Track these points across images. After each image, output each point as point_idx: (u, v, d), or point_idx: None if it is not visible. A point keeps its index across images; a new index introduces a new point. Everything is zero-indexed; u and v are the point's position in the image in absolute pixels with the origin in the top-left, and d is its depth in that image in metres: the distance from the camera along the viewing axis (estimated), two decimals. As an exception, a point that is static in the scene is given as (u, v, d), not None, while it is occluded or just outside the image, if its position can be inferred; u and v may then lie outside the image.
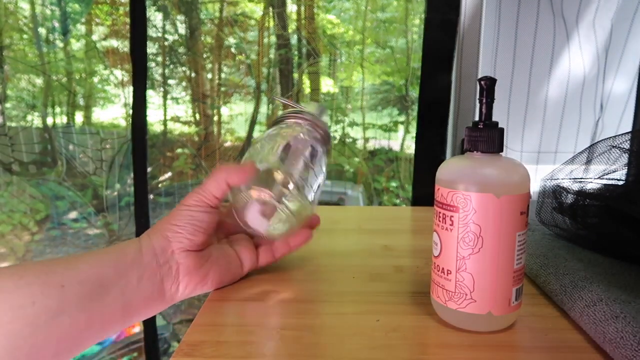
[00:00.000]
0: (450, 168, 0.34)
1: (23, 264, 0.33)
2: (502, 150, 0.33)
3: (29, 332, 0.30)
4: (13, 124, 1.35)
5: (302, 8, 1.30)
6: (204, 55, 1.36)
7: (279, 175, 0.42)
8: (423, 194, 0.83)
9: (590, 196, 0.48)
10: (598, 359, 0.31)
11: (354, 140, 1.42)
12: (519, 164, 0.33)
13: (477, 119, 0.34)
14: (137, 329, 1.51)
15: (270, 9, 1.30)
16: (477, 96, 0.34)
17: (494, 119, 0.33)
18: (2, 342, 0.29)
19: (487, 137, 0.33)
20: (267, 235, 0.43)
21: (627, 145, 0.46)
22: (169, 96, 1.39)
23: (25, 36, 1.32)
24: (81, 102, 1.40)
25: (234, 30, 1.32)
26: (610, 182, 0.47)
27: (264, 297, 0.40)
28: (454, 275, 0.33)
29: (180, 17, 1.34)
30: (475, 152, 0.33)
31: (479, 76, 0.84)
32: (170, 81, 1.39)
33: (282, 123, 0.47)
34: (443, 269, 0.34)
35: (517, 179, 0.32)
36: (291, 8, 1.30)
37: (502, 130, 0.33)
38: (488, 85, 0.33)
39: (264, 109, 1.35)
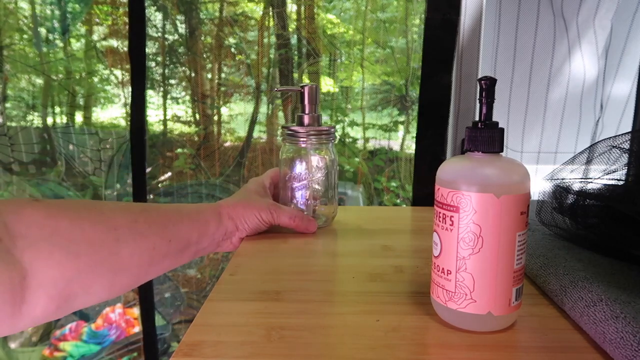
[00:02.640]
0: (451, 168, 0.34)
1: (147, 212, 0.45)
2: (502, 150, 0.33)
3: (149, 264, 0.44)
4: (13, 124, 1.35)
5: (302, 8, 1.30)
6: (204, 55, 1.36)
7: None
8: (423, 194, 0.83)
9: (590, 196, 0.48)
10: (598, 359, 0.31)
11: (354, 140, 1.42)
12: (519, 164, 0.33)
13: (477, 119, 0.33)
14: (137, 329, 1.51)
15: (270, 8, 1.30)
16: (477, 96, 0.34)
17: (494, 119, 0.33)
18: (134, 270, 0.42)
19: (487, 137, 0.33)
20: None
21: (627, 146, 0.46)
22: (168, 96, 1.39)
23: (25, 36, 1.32)
24: (81, 102, 1.40)
25: (234, 30, 1.32)
26: (610, 182, 0.47)
27: (264, 297, 0.40)
28: (454, 276, 0.33)
29: (180, 17, 1.34)
30: (475, 152, 0.33)
31: (479, 76, 0.84)
32: (170, 81, 1.39)
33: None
34: (443, 269, 0.34)
35: (517, 179, 0.32)
36: (291, 8, 1.30)
37: (502, 130, 0.33)
38: (488, 85, 0.33)
39: (263, 109, 1.35)
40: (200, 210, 0.50)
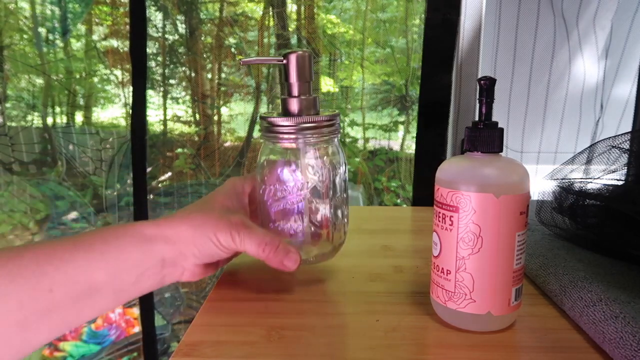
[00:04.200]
0: (450, 168, 0.34)
1: (13, 260, 0.32)
2: (501, 150, 0.33)
3: (18, 330, 0.31)
4: (13, 124, 1.35)
5: (302, 8, 1.30)
6: (204, 55, 1.36)
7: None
8: (423, 194, 0.83)
9: (590, 196, 0.48)
10: (598, 359, 0.31)
11: (354, 140, 1.42)
12: (518, 164, 0.33)
13: (477, 119, 0.34)
14: (137, 329, 1.51)
15: (270, 8, 1.30)
16: (477, 96, 0.34)
17: (494, 119, 0.33)
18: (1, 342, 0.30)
19: (487, 137, 0.33)
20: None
21: (627, 146, 0.46)
22: (169, 96, 1.39)
23: (25, 36, 1.32)
24: (81, 102, 1.40)
25: (234, 30, 1.32)
26: (610, 182, 0.47)
27: (264, 297, 0.40)
28: (453, 275, 0.33)
29: (180, 17, 1.34)
30: (475, 152, 0.33)
31: (479, 76, 0.84)
32: (170, 81, 1.39)
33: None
34: (443, 269, 0.34)
35: (516, 179, 0.32)
36: (291, 8, 1.30)
37: (501, 130, 0.33)
38: (488, 85, 0.33)
39: (264, 109, 1.35)
40: (115, 236, 0.35)
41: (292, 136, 0.39)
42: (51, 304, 0.31)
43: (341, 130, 0.43)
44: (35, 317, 0.31)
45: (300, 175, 0.40)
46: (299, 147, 0.39)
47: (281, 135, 0.39)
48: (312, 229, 0.41)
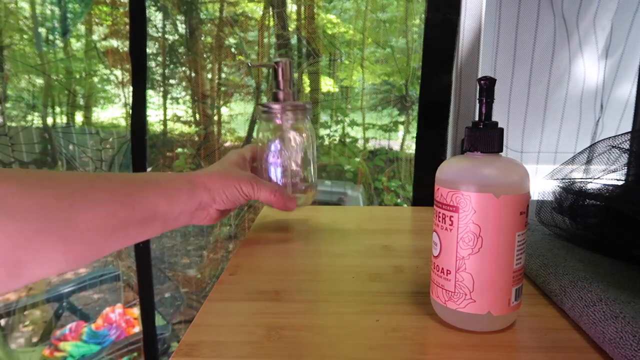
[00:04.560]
0: (450, 168, 0.34)
1: (107, 179, 0.41)
2: (501, 150, 0.33)
3: (110, 233, 0.39)
4: (13, 124, 1.36)
5: (302, 8, 1.30)
6: (204, 55, 1.36)
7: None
8: (423, 194, 0.83)
9: (590, 196, 0.48)
10: (597, 359, 0.31)
11: (354, 140, 1.42)
12: (518, 164, 0.33)
13: (477, 119, 0.34)
14: (137, 329, 1.51)
15: (271, 9, 1.30)
16: (477, 96, 0.34)
17: (494, 119, 0.33)
18: (92, 238, 0.38)
19: (487, 137, 0.33)
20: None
21: (627, 146, 0.46)
22: (169, 96, 1.39)
23: (25, 36, 1.32)
24: (81, 102, 1.40)
25: (234, 30, 1.32)
26: (610, 182, 0.47)
27: (264, 297, 0.40)
28: (453, 275, 0.33)
29: (181, 17, 1.34)
30: (475, 152, 0.33)
31: (479, 76, 0.84)
32: (170, 81, 1.39)
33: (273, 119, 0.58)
34: (442, 269, 0.34)
35: (516, 179, 0.32)
36: (291, 8, 1.30)
37: (501, 130, 0.33)
38: (488, 85, 0.33)
39: (264, 109, 1.35)
40: (171, 179, 0.46)
41: (278, 115, 0.57)
42: (131, 219, 0.41)
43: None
44: (120, 227, 0.40)
45: (283, 143, 0.58)
46: (283, 123, 0.57)
47: (272, 115, 0.57)
48: (295, 179, 0.59)
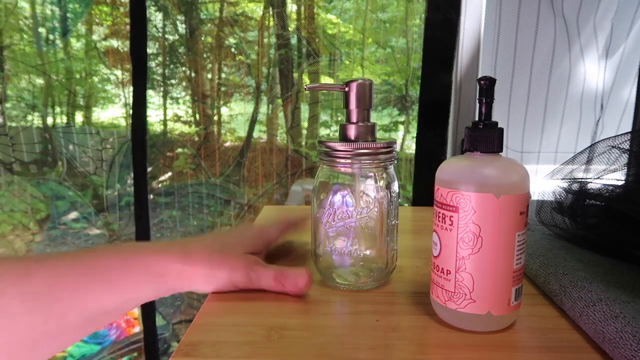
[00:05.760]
0: (450, 168, 0.34)
1: (23, 279, 0.32)
2: (501, 150, 0.33)
3: (27, 350, 0.32)
4: (13, 124, 1.36)
5: (302, 8, 1.30)
6: (204, 55, 1.36)
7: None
8: (423, 194, 0.83)
9: (590, 196, 0.48)
10: (597, 359, 0.31)
11: (354, 140, 1.41)
12: (518, 164, 0.33)
13: (477, 119, 0.34)
14: (137, 328, 1.51)
15: (271, 9, 1.30)
16: (477, 96, 0.34)
17: (494, 119, 0.33)
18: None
19: (487, 137, 0.33)
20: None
21: (627, 146, 0.46)
22: (169, 96, 1.39)
23: (25, 36, 1.32)
24: (81, 102, 1.40)
25: (234, 30, 1.32)
26: (610, 182, 0.47)
27: (264, 297, 0.40)
28: (453, 276, 0.33)
29: (181, 17, 1.34)
30: (475, 152, 0.33)
31: (479, 76, 0.84)
32: (170, 81, 1.39)
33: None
34: (442, 269, 0.34)
35: (516, 179, 0.32)
36: (291, 8, 1.30)
37: (501, 130, 0.33)
38: (488, 86, 0.33)
39: (264, 109, 1.35)
40: (124, 272, 0.36)
41: (349, 161, 0.40)
42: (63, 328, 0.33)
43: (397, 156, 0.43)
44: (46, 339, 0.32)
45: (355, 200, 0.41)
46: (355, 172, 0.41)
47: (338, 160, 0.40)
48: (367, 252, 0.42)
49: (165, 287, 0.37)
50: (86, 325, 0.34)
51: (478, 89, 0.33)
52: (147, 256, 0.37)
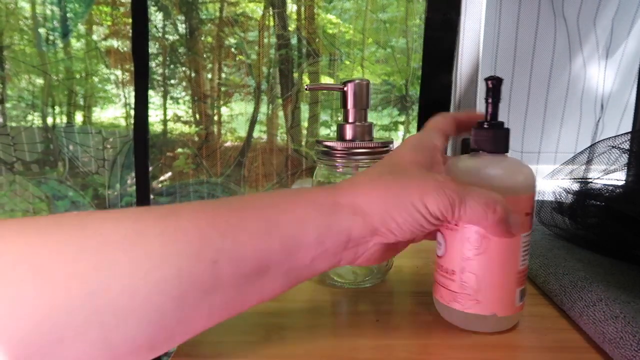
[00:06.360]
0: (456, 168, 0.34)
1: (167, 218, 0.25)
2: (507, 151, 0.33)
3: (174, 306, 0.24)
4: (13, 124, 1.36)
5: (303, 8, 1.30)
6: (204, 55, 1.36)
7: None
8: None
9: (590, 196, 0.48)
10: (597, 359, 0.31)
11: (355, 140, 1.41)
12: (524, 165, 0.33)
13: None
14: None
15: (271, 9, 1.30)
16: (484, 96, 0.34)
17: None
18: (146, 315, 0.23)
19: (493, 137, 0.33)
20: None
21: (627, 146, 0.46)
22: (169, 96, 1.39)
23: (25, 36, 1.32)
24: (81, 102, 1.40)
25: (234, 30, 1.32)
26: (610, 182, 0.47)
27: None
28: (458, 276, 0.33)
29: (181, 17, 1.34)
30: (480, 152, 0.33)
31: (479, 76, 0.85)
32: (170, 81, 1.39)
33: None
34: (447, 269, 0.34)
35: (522, 179, 0.32)
36: (291, 8, 1.30)
37: (507, 130, 0.33)
38: (494, 85, 0.33)
39: (264, 109, 1.35)
40: (283, 206, 0.27)
41: (346, 160, 0.40)
42: (215, 280, 0.24)
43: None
44: (196, 293, 0.24)
45: None
46: (353, 171, 0.41)
47: (336, 159, 0.41)
48: None
49: (338, 231, 0.27)
50: (244, 281, 0.25)
51: (484, 89, 0.33)
52: (308, 191, 0.28)
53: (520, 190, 0.32)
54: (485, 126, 0.33)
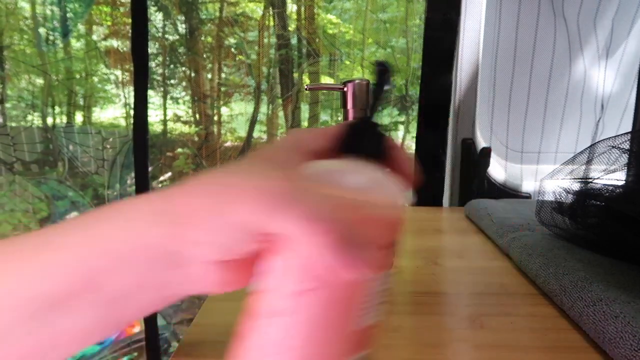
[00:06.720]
0: (309, 170, 0.22)
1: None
2: (380, 157, 0.24)
3: None
4: (13, 124, 1.36)
5: (302, 8, 1.31)
6: (204, 55, 1.36)
7: None
8: (423, 194, 0.83)
9: (590, 196, 0.48)
10: (597, 358, 0.31)
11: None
12: (394, 179, 0.23)
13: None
14: (137, 328, 1.51)
15: (271, 9, 1.30)
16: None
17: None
18: None
19: (358, 136, 0.24)
20: None
21: (627, 146, 0.46)
22: (169, 96, 1.39)
23: (25, 36, 1.32)
24: (81, 102, 1.40)
25: (234, 30, 1.32)
26: (610, 182, 0.47)
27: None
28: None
29: (181, 17, 1.34)
30: (348, 153, 0.23)
31: (479, 76, 0.85)
32: (170, 81, 1.39)
33: None
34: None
35: (387, 194, 0.22)
36: (291, 8, 1.30)
37: (377, 131, 0.25)
38: (381, 71, 0.25)
39: (264, 109, 1.35)
40: (81, 225, 0.20)
41: None
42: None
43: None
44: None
45: None
46: None
47: None
48: None
49: (145, 245, 0.19)
50: (31, 319, 0.18)
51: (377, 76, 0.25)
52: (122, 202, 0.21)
53: (382, 209, 0.21)
54: (357, 123, 0.24)
